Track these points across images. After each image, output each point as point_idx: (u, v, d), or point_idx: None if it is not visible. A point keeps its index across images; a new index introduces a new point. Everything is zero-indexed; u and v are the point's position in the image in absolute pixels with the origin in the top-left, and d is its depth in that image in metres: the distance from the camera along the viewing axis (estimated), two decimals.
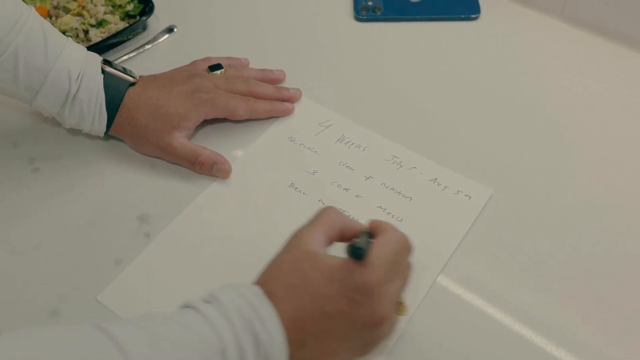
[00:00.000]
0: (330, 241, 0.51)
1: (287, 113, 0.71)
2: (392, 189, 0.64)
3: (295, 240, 0.50)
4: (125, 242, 0.61)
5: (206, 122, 0.69)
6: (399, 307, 0.51)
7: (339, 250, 0.49)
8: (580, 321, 0.55)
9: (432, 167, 0.66)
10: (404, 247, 0.51)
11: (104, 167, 0.67)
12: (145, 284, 0.58)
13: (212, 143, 0.68)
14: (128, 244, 0.61)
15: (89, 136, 0.69)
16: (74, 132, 0.69)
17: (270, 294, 0.46)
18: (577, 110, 0.72)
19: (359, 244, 0.47)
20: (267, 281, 0.48)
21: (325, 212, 0.52)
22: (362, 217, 0.62)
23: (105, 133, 0.66)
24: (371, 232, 0.51)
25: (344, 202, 0.63)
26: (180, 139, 0.66)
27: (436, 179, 0.65)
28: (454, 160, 0.67)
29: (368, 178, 0.65)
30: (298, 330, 0.46)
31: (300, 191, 0.65)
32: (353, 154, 0.68)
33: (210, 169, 0.65)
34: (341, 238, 0.52)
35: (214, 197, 0.64)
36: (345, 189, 0.65)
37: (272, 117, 0.71)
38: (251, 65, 0.76)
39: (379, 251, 0.48)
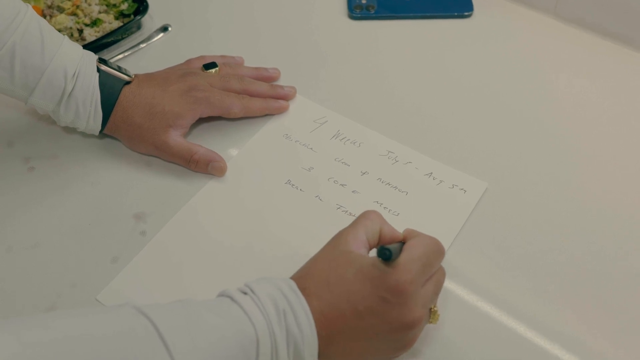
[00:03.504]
0: (371, 245, 0.52)
1: (281, 111, 0.72)
2: (388, 183, 0.65)
3: (336, 240, 0.51)
4: (121, 241, 0.61)
5: (201, 121, 0.69)
6: (431, 314, 0.51)
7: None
8: (574, 318, 0.56)
9: (427, 161, 0.66)
10: (436, 250, 0.51)
11: (99, 166, 0.67)
12: (144, 282, 0.58)
13: (207, 141, 0.68)
14: (124, 242, 0.61)
15: (85, 135, 0.69)
16: (70, 130, 0.69)
17: (303, 289, 0.47)
18: (570, 106, 0.72)
19: (389, 245, 0.47)
20: (302, 277, 0.49)
21: (366, 215, 0.53)
22: (359, 212, 0.62)
23: (101, 132, 0.67)
24: (405, 240, 0.52)
25: (340, 197, 0.64)
26: (175, 138, 0.66)
27: (431, 173, 0.65)
28: (449, 155, 0.67)
29: (364, 173, 0.66)
30: (329, 326, 0.47)
31: (296, 188, 0.65)
32: (348, 150, 0.68)
33: (206, 167, 0.66)
34: (380, 242, 0.52)
35: (211, 195, 0.65)
36: (342, 185, 0.65)
37: (267, 115, 0.71)
38: (245, 64, 0.76)
39: (409, 253, 0.49)
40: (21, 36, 0.60)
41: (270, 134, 0.70)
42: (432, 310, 0.51)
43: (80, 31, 0.78)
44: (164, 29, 0.82)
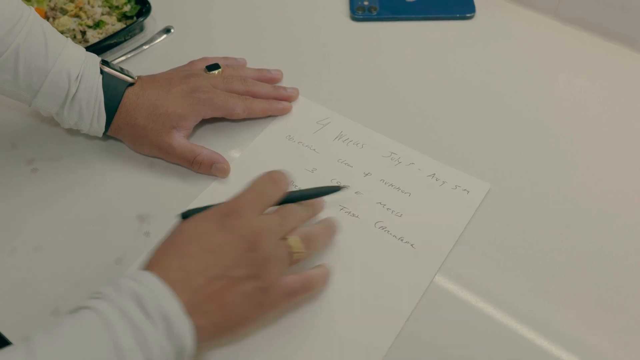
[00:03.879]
0: None
1: (284, 112, 0.72)
2: (391, 185, 0.65)
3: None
4: (125, 241, 0.61)
5: (204, 122, 0.70)
6: (290, 245, 0.53)
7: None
8: (576, 318, 0.56)
9: (430, 162, 0.67)
10: (265, 180, 0.55)
11: (103, 168, 0.67)
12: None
13: (210, 142, 0.68)
14: (128, 243, 0.61)
15: (88, 136, 0.69)
16: (73, 132, 0.69)
17: (152, 267, 0.48)
18: (571, 107, 0.72)
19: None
20: (151, 264, 0.50)
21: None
22: (362, 213, 0.62)
23: (104, 133, 0.67)
24: None
25: (343, 198, 0.64)
26: (178, 139, 0.66)
27: (434, 174, 0.65)
28: (452, 156, 0.67)
29: (367, 174, 0.66)
30: (188, 283, 0.47)
31: (300, 189, 0.65)
32: (351, 151, 0.68)
33: (209, 168, 0.66)
34: None
35: (214, 197, 0.65)
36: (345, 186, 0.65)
37: (270, 116, 0.71)
38: (248, 65, 0.76)
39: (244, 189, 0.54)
40: (24, 38, 0.60)
41: (273, 135, 0.70)
42: (289, 240, 0.53)
43: (83, 33, 0.78)
44: (167, 30, 0.82)
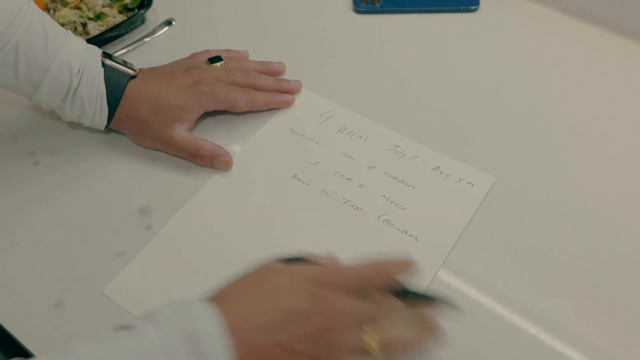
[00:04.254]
0: None
1: (287, 105, 0.71)
2: (395, 178, 0.64)
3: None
4: (127, 235, 0.61)
5: (207, 115, 0.69)
6: (363, 337, 0.47)
7: None
8: (580, 314, 0.55)
9: (434, 155, 0.66)
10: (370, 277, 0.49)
11: (104, 161, 0.67)
12: (150, 277, 0.58)
13: (212, 135, 0.68)
14: (130, 236, 0.61)
15: (90, 130, 0.68)
16: (75, 125, 0.69)
17: (215, 299, 0.44)
18: (577, 101, 0.72)
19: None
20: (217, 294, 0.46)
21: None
22: (366, 206, 0.62)
23: (106, 126, 0.66)
24: None
25: (347, 191, 0.63)
26: (181, 132, 0.66)
27: (438, 167, 0.65)
28: (456, 149, 0.67)
29: (370, 168, 0.65)
30: (246, 321, 0.44)
31: (303, 182, 0.64)
32: (355, 144, 0.67)
33: (211, 161, 0.65)
34: None
35: (216, 190, 0.64)
36: (348, 179, 0.64)
37: (272, 109, 0.71)
38: (250, 58, 0.76)
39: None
40: (24, 32, 0.59)
41: (276, 128, 0.69)
42: (365, 332, 0.47)
43: (84, 25, 0.77)
44: (168, 22, 0.81)
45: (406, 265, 0.50)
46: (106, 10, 0.78)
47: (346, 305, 0.47)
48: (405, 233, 0.60)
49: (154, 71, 0.68)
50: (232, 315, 0.43)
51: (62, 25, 0.76)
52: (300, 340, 0.45)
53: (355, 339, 0.47)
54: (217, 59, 0.71)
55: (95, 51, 0.65)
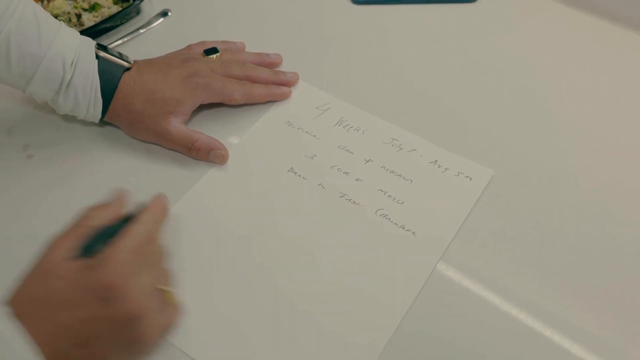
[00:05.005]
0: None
1: (284, 97, 0.71)
2: (393, 171, 0.64)
3: (43, 251, 0.49)
4: None
5: (202, 107, 0.68)
6: (165, 296, 0.50)
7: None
8: (581, 307, 0.55)
9: (432, 149, 0.65)
10: (148, 238, 0.50)
11: (99, 154, 0.66)
12: None
13: (208, 128, 0.67)
14: None
15: (84, 122, 0.68)
16: (69, 118, 0.68)
17: (20, 315, 0.44)
18: (577, 93, 0.71)
19: (92, 238, 0.47)
20: (16, 299, 0.46)
21: (78, 215, 0.51)
22: (363, 200, 0.61)
23: (101, 119, 0.65)
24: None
25: (344, 185, 0.63)
26: (176, 125, 0.65)
27: (436, 160, 0.64)
28: (454, 142, 0.66)
29: (368, 161, 0.65)
30: (55, 344, 0.44)
31: (300, 176, 0.64)
32: (352, 137, 0.67)
33: (207, 154, 0.65)
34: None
35: (213, 184, 0.64)
36: (345, 173, 0.64)
37: (269, 102, 0.70)
38: (247, 49, 0.75)
39: (118, 245, 0.47)
40: (16, 24, 0.58)
41: (273, 121, 0.69)
42: (164, 291, 0.50)
43: (79, 16, 0.76)
44: (164, 13, 0.80)
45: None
46: (101, 0, 0.78)
47: (139, 299, 0.47)
48: (403, 228, 0.59)
49: (149, 63, 0.67)
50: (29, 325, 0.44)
51: (56, 16, 0.75)
52: (104, 340, 0.46)
53: (157, 303, 0.49)
54: (213, 50, 0.70)
55: (89, 43, 0.64)
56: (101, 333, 0.46)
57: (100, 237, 0.48)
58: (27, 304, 0.46)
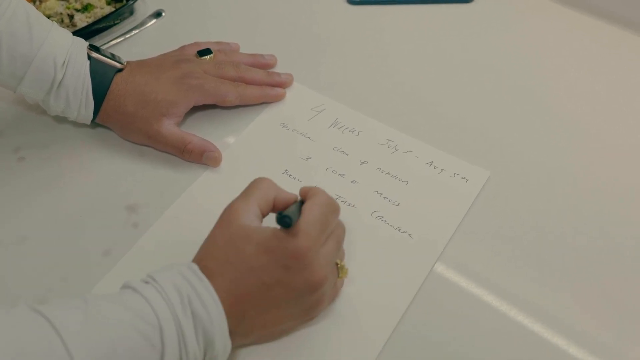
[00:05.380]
0: (264, 213, 0.52)
1: (278, 98, 0.70)
2: (388, 173, 0.63)
3: (228, 215, 0.50)
4: (113, 233, 0.59)
5: (195, 109, 0.68)
6: (339, 269, 0.52)
7: (273, 221, 0.49)
8: (578, 307, 0.54)
9: (428, 150, 0.65)
10: (331, 209, 0.51)
11: (91, 156, 0.65)
12: (139, 276, 0.56)
13: (201, 130, 0.66)
14: (116, 234, 0.59)
15: (76, 124, 0.67)
16: (60, 120, 0.67)
17: (206, 270, 0.47)
18: (574, 93, 0.71)
19: (286, 212, 0.47)
20: (203, 258, 0.49)
21: (257, 184, 0.52)
22: (358, 202, 0.61)
23: (92, 121, 0.65)
24: (303, 200, 0.52)
25: (339, 187, 0.62)
26: (169, 127, 0.64)
27: (432, 162, 0.64)
28: (450, 143, 0.66)
29: (363, 163, 0.64)
30: (237, 303, 0.47)
31: (294, 178, 0.63)
32: (347, 138, 0.66)
33: (200, 157, 0.64)
34: (274, 209, 0.52)
35: (206, 187, 0.63)
36: (341, 175, 0.63)
37: (263, 103, 0.70)
38: (241, 50, 0.74)
39: (306, 216, 0.49)
40: (7, 23, 0.58)
41: (267, 123, 0.68)
42: (339, 265, 0.52)
43: (71, 17, 0.76)
44: (158, 14, 0.80)
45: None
46: (94, 1, 0.77)
47: (322, 266, 0.49)
48: (399, 230, 0.59)
49: (142, 64, 0.67)
50: (222, 291, 0.46)
51: (49, 16, 0.75)
52: (289, 307, 0.49)
53: (334, 277, 0.51)
54: (207, 51, 0.70)
55: (81, 43, 0.63)
56: (280, 298, 0.48)
57: (294, 213, 0.49)
58: (213, 262, 0.48)
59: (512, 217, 0.60)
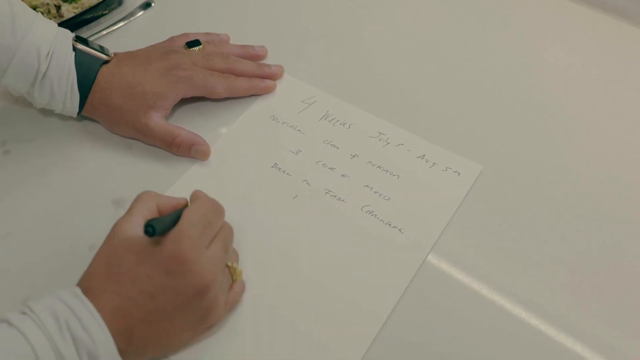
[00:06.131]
0: None
1: (268, 91, 0.69)
2: (379, 167, 0.62)
3: (112, 232, 0.49)
4: (99, 228, 0.57)
5: (184, 102, 0.67)
6: (232, 272, 0.51)
7: None
8: (571, 300, 0.54)
9: (420, 143, 0.64)
10: (213, 210, 0.50)
11: (77, 149, 0.64)
12: None
13: (190, 123, 0.65)
14: (103, 229, 0.57)
15: (62, 117, 0.66)
16: (47, 113, 0.66)
17: (89, 291, 0.46)
18: (568, 85, 0.70)
19: (157, 219, 0.47)
20: (86, 279, 0.47)
21: (137, 198, 0.51)
22: (348, 196, 0.60)
23: (79, 113, 0.64)
24: (187, 205, 0.51)
25: (329, 181, 0.61)
26: (156, 120, 0.63)
27: (424, 155, 0.63)
28: (442, 136, 0.65)
29: (354, 156, 0.63)
30: (123, 319, 0.45)
31: (284, 172, 0.62)
32: (338, 131, 0.65)
33: (188, 150, 0.63)
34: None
35: (194, 180, 0.62)
36: (331, 169, 0.62)
37: (253, 95, 0.68)
38: (231, 42, 0.73)
39: (184, 220, 0.48)
40: None
41: (256, 116, 0.67)
42: (231, 267, 0.51)
43: (58, 7, 0.74)
44: (147, 5, 0.78)
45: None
46: None
47: (208, 268, 0.47)
48: (389, 224, 0.58)
49: (129, 56, 0.66)
50: (102, 308, 0.45)
51: (35, 7, 0.73)
52: (178, 314, 0.47)
53: (226, 279, 0.50)
54: (196, 42, 0.69)
55: (67, 35, 0.62)
56: (168, 308, 0.46)
57: (165, 219, 0.48)
58: (95, 280, 0.47)
59: (504, 212, 0.59)
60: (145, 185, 0.61)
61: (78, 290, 0.46)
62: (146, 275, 0.46)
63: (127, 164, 0.63)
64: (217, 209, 0.51)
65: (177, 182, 0.62)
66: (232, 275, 0.51)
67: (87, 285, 0.46)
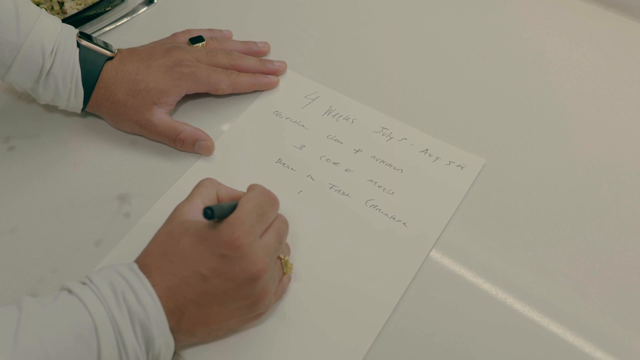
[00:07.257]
0: None
1: (271, 86, 0.69)
2: (383, 161, 0.62)
3: (172, 215, 0.51)
4: (104, 223, 0.59)
5: (187, 97, 0.67)
6: (282, 265, 0.51)
7: None
8: (574, 294, 0.54)
9: (423, 137, 0.64)
10: (267, 201, 0.51)
11: (81, 145, 0.64)
12: None
13: (193, 119, 0.66)
14: (108, 224, 0.59)
15: (66, 113, 0.66)
16: (51, 109, 0.67)
17: (145, 267, 0.47)
18: (569, 79, 0.70)
19: (217, 205, 0.47)
20: (143, 256, 0.49)
21: (199, 184, 0.52)
22: (352, 191, 0.60)
23: (83, 109, 0.64)
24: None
25: (333, 176, 0.61)
26: (160, 115, 0.63)
27: (427, 149, 0.63)
28: (445, 131, 0.65)
29: (357, 151, 0.63)
30: (175, 297, 0.46)
31: (288, 167, 0.62)
32: (341, 126, 0.65)
33: (192, 146, 0.63)
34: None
35: (199, 176, 0.62)
36: (335, 163, 0.62)
37: (256, 91, 0.69)
38: (234, 38, 0.73)
39: (241, 207, 0.49)
40: None
41: (260, 111, 0.67)
42: (283, 260, 0.51)
43: (61, 4, 0.74)
44: (149, 1, 0.79)
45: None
46: None
47: (261, 257, 0.48)
48: (393, 218, 0.58)
49: (133, 52, 0.66)
50: (158, 287, 0.46)
51: (38, 4, 0.73)
52: (229, 300, 0.48)
53: (277, 271, 0.51)
54: (199, 39, 0.69)
55: (71, 31, 0.62)
56: (219, 291, 0.47)
57: (223, 205, 0.49)
58: (151, 258, 0.48)
59: (507, 205, 0.59)
60: (150, 180, 0.61)
61: (135, 266, 0.47)
62: (200, 257, 0.47)
63: (131, 159, 0.63)
64: (272, 200, 0.52)
65: (182, 177, 0.62)
66: (283, 268, 0.52)
67: (144, 261, 0.48)
